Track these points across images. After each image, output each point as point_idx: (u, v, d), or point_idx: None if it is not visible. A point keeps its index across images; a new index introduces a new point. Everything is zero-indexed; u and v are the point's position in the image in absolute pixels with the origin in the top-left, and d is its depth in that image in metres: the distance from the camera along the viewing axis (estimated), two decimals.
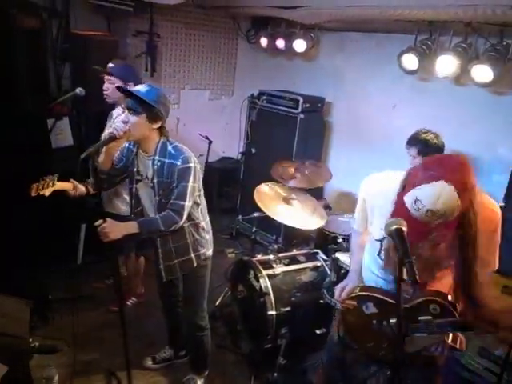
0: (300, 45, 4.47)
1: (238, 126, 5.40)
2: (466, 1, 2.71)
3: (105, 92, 3.01)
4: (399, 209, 1.58)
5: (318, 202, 3.66)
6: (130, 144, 2.41)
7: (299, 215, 3.40)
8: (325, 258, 3.33)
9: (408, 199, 1.53)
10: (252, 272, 3.13)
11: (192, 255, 2.51)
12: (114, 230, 2.17)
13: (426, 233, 1.55)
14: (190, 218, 2.39)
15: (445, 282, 1.75)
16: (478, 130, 3.48)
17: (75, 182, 2.50)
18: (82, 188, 2.52)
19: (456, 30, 3.25)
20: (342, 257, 2.85)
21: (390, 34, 4.05)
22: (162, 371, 3.02)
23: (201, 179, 2.40)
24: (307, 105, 4.50)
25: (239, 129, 5.41)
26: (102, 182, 2.46)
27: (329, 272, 3.13)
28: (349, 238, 2.68)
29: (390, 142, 3.89)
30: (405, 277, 1.37)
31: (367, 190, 1.97)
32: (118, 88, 2.41)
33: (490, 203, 1.71)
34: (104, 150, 2.33)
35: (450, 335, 1.72)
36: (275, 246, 3.54)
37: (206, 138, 4.91)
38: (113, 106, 3.07)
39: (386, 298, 1.79)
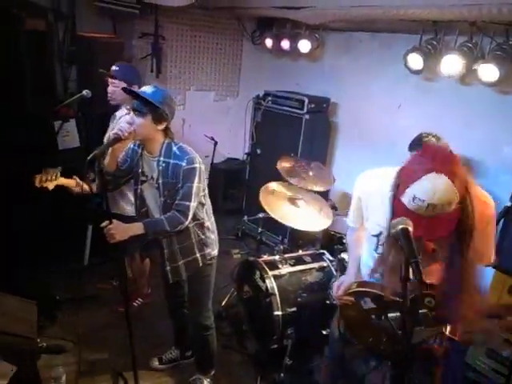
0: (305, 45, 4.48)
1: (243, 126, 5.41)
2: (471, 0, 2.69)
3: (109, 95, 3.02)
4: (399, 209, 1.57)
5: (325, 202, 3.65)
6: (134, 145, 2.42)
7: (305, 216, 3.39)
8: (331, 258, 3.33)
9: (406, 199, 1.52)
10: (258, 272, 3.13)
11: (197, 255, 2.52)
12: (119, 231, 2.18)
13: (432, 227, 1.53)
14: (194, 218, 2.40)
15: (436, 275, 1.75)
16: (484, 130, 3.46)
17: (78, 179, 2.52)
18: (84, 186, 2.54)
19: (461, 29, 3.23)
20: (347, 257, 2.84)
21: (394, 34, 4.04)
22: (169, 371, 3.04)
23: (205, 179, 2.41)
24: (312, 105, 4.49)
25: (244, 130, 5.42)
26: (108, 183, 2.47)
27: (335, 272, 3.14)
28: None
29: (395, 141, 3.87)
30: (411, 276, 1.36)
31: (362, 188, 1.97)
32: (124, 89, 2.43)
33: (482, 195, 1.69)
34: (109, 151, 2.34)
35: (448, 327, 1.72)
36: (281, 247, 3.53)
37: (212, 138, 4.90)
38: (116, 107, 3.08)
39: (383, 294, 1.77)
